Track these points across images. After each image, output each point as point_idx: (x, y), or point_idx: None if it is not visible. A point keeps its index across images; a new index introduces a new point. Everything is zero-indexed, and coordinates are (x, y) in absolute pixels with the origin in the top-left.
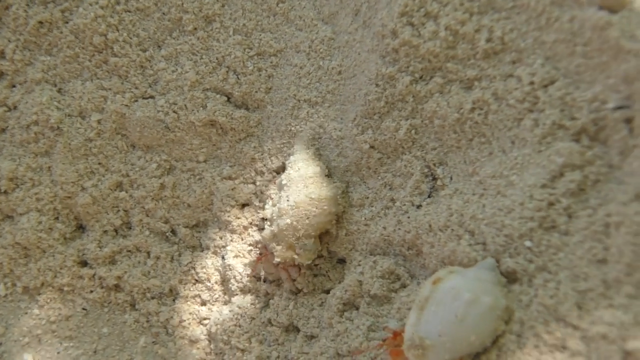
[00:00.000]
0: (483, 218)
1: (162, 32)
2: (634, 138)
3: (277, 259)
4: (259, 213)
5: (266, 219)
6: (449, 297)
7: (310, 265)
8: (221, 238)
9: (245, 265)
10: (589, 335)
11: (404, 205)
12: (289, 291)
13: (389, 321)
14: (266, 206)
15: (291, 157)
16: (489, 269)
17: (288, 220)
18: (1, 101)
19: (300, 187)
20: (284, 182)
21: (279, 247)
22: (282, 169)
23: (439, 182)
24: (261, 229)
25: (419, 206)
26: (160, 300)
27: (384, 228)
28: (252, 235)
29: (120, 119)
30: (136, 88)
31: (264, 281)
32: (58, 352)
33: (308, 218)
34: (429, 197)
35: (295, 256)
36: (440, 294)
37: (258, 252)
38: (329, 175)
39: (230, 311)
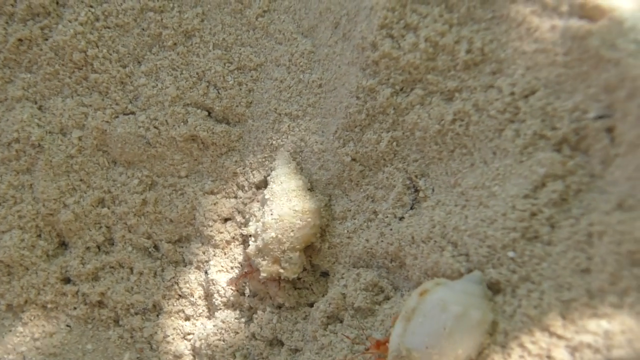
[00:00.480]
0: (466, 229)
1: (142, 47)
2: (615, 147)
3: (262, 274)
4: (241, 228)
5: (250, 236)
6: (437, 310)
7: (293, 279)
8: (204, 253)
9: (227, 281)
10: (573, 344)
11: (387, 217)
12: (272, 305)
13: (373, 333)
14: (249, 223)
15: (273, 172)
16: (476, 282)
17: (273, 234)
18: None
19: (284, 200)
20: (267, 197)
21: (264, 262)
22: (264, 183)
23: (421, 194)
24: (245, 246)
25: (401, 218)
26: (144, 316)
27: (367, 240)
28: (235, 250)
29: (101, 135)
30: (117, 104)
31: (249, 296)
32: None
33: (293, 231)
34: (411, 209)
35: (281, 270)
36: (428, 306)
37: (243, 269)
38: (311, 188)
39: (214, 326)
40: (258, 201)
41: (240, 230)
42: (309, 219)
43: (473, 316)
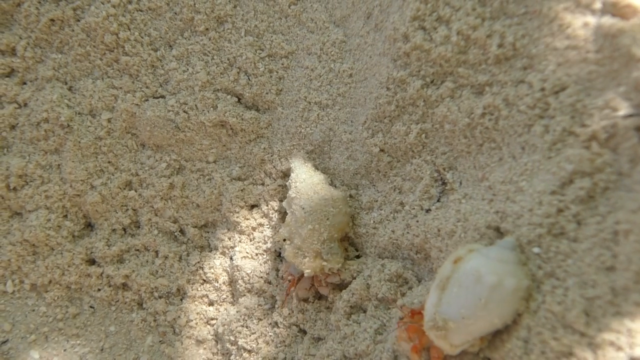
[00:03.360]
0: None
1: (174, 32)
2: None
3: (307, 271)
4: (269, 216)
5: (284, 240)
6: (472, 280)
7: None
8: (229, 239)
9: (278, 304)
10: (596, 342)
11: (413, 209)
12: (297, 296)
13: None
14: (280, 230)
15: (292, 174)
16: (510, 248)
17: (310, 226)
18: (11, 98)
19: (311, 193)
20: (292, 196)
21: (306, 260)
22: (291, 170)
23: (448, 187)
24: (279, 255)
25: (427, 210)
26: (168, 300)
27: (393, 231)
28: (260, 237)
29: (131, 118)
30: (147, 87)
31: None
32: (65, 350)
33: (328, 219)
34: (437, 201)
35: (325, 263)
36: (462, 276)
37: (287, 283)
38: (331, 184)
39: (237, 312)
40: (284, 204)
41: (266, 218)
42: (341, 206)
43: (508, 285)
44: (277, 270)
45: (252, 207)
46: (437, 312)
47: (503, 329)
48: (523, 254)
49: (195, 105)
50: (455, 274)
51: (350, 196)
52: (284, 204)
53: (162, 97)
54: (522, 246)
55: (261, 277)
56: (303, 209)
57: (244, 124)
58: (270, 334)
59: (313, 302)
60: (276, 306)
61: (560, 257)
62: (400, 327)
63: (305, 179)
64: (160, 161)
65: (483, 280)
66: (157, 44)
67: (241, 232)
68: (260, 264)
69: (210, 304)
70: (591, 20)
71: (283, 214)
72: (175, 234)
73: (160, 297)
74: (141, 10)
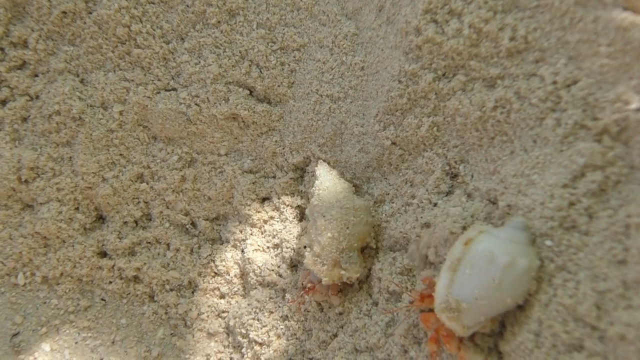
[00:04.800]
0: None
1: (186, 24)
2: None
3: (324, 279)
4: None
5: (305, 247)
6: (484, 261)
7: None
8: (241, 231)
9: (288, 299)
10: (607, 335)
11: (422, 202)
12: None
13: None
14: (302, 237)
15: (316, 181)
16: (520, 228)
17: (329, 234)
18: (23, 90)
19: (333, 202)
20: (315, 203)
21: (324, 268)
22: (302, 163)
23: (459, 180)
24: (300, 261)
25: (435, 204)
26: (179, 293)
27: (403, 225)
28: (272, 230)
29: (142, 111)
30: (159, 80)
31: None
32: (76, 343)
33: (348, 227)
34: (446, 195)
35: (343, 272)
36: (474, 257)
37: (303, 286)
38: (356, 193)
39: (248, 305)
40: (307, 213)
41: (277, 211)
42: (362, 215)
43: (520, 265)
44: (291, 265)
45: (264, 200)
46: (449, 293)
47: (514, 321)
48: (532, 234)
49: (207, 98)
50: (466, 256)
51: (374, 204)
52: (306, 211)
53: (174, 89)
54: (533, 236)
55: (272, 270)
56: (324, 217)
57: (255, 116)
58: (281, 327)
59: (325, 307)
60: (286, 299)
61: (571, 251)
62: (409, 310)
63: (329, 187)
64: (172, 154)
65: (496, 261)
66: (169, 37)
67: (252, 225)
68: (272, 257)
69: (222, 296)
70: (603, 14)
71: (295, 208)
72: (187, 226)
73: (171, 290)
74: (153, 3)
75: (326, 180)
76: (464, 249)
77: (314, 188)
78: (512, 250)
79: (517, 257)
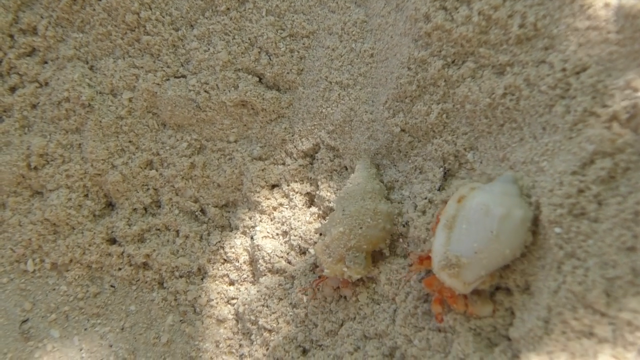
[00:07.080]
0: None
1: (195, 11)
2: None
3: (326, 271)
4: (289, 196)
5: (321, 234)
6: (480, 214)
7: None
8: (250, 218)
9: (298, 289)
10: (616, 322)
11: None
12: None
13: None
14: (323, 223)
15: (352, 174)
16: (511, 182)
17: (341, 229)
18: (33, 77)
19: (358, 199)
20: (341, 195)
21: (329, 260)
22: (312, 150)
23: (468, 167)
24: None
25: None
26: (189, 279)
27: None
28: (282, 215)
29: (152, 98)
30: (168, 67)
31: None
32: (85, 329)
33: (361, 228)
34: (438, 190)
35: (345, 269)
36: (470, 212)
37: (316, 275)
38: (388, 198)
39: (258, 291)
40: (334, 201)
41: (286, 198)
42: (380, 221)
43: (516, 215)
44: (300, 252)
45: (273, 187)
46: (447, 250)
47: (523, 308)
48: (521, 187)
49: (217, 85)
50: (461, 212)
51: (399, 214)
52: (334, 199)
53: (183, 76)
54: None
55: (282, 257)
56: (343, 210)
57: (265, 103)
58: (290, 313)
59: (333, 300)
60: (295, 286)
61: (581, 238)
62: (410, 273)
63: (360, 183)
64: (181, 141)
65: (492, 213)
66: (178, 24)
67: (262, 212)
68: (281, 244)
69: (231, 283)
70: (612, 1)
71: (304, 195)
72: (196, 213)
73: (181, 277)
74: None
75: (360, 177)
76: (457, 206)
77: (348, 180)
78: (506, 202)
79: (512, 209)
